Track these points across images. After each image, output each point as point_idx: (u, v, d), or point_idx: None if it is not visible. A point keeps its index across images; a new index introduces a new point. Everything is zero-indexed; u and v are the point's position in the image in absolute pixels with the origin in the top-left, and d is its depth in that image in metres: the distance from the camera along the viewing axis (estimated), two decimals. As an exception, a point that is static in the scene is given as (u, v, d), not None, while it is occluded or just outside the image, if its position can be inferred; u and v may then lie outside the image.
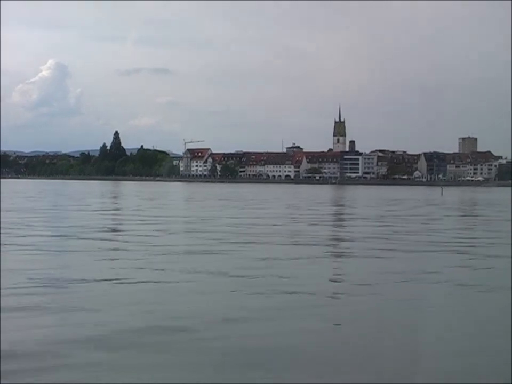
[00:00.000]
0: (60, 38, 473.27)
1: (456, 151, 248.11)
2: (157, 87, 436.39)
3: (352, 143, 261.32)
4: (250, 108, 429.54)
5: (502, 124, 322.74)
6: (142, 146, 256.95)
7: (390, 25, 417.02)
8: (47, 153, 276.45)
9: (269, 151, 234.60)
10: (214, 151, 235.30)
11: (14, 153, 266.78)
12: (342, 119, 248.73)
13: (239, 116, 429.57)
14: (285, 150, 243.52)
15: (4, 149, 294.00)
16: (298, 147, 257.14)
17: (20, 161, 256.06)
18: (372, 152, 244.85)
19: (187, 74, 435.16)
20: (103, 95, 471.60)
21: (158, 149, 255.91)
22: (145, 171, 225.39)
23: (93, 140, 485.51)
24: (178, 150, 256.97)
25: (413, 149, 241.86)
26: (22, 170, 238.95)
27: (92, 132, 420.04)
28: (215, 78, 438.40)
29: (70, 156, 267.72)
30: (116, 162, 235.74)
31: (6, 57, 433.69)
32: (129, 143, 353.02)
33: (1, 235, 21.67)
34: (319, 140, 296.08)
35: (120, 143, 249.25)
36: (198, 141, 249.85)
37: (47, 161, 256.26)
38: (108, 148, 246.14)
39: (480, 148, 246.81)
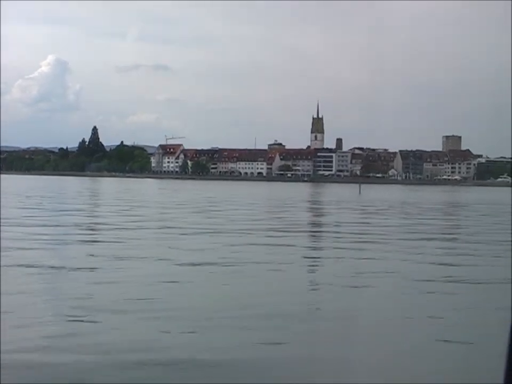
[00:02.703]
0: (59, 34, 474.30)
1: (440, 149, 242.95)
2: (156, 84, 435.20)
3: (339, 140, 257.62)
4: (250, 106, 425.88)
5: (490, 123, 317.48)
6: (122, 142, 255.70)
7: (387, 25, 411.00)
8: (29, 148, 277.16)
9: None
10: (208, 148, 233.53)
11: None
12: (320, 116, 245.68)
13: (238, 114, 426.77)
14: (259, 147, 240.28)
15: (2, 144, 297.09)
16: (280, 144, 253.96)
17: (2, 156, 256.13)
18: (350, 149, 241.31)
19: (186, 71, 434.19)
20: (103, 91, 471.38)
21: (138, 144, 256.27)
22: (119, 167, 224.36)
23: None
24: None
25: (399, 147, 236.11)
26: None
27: (91, 128, 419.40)
28: (215, 76, 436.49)
29: (50, 151, 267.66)
30: (92, 158, 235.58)
31: (6, 53, 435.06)
32: (129, 139, 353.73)
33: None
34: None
35: (98, 138, 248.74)
36: (179, 137, 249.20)
37: (27, 156, 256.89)
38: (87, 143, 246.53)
39: (465, 146, 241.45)
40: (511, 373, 1.22)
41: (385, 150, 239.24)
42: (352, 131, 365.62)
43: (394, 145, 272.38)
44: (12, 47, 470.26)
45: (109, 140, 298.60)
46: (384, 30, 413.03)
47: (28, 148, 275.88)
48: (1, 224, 26.22)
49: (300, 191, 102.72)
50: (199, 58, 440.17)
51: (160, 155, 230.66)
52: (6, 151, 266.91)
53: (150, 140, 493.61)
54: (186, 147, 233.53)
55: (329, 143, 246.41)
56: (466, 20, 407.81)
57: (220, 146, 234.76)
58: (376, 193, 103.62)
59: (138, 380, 7.69)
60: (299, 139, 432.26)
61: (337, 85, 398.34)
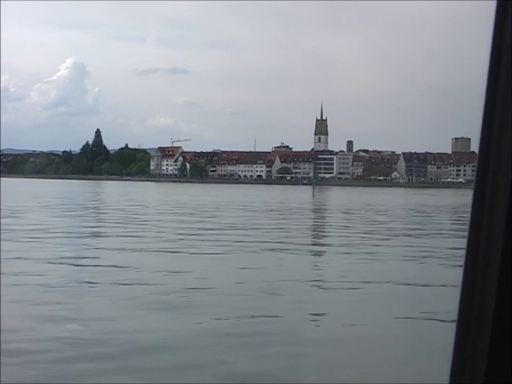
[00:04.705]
0: (78, 38, 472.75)
1: (449, 151, 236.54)
2: (174, 87, 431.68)
3: (349, 143, 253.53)
4: (268, 109, 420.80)
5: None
6: (126, 145, 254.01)
7: (400, 27, 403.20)
8: (34, 151, 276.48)
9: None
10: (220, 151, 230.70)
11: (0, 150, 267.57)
12: (324, 117, 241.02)
13: (256, 117, 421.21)
14: (265, 150, 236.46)
15: (21, 148, 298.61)
16: (287, 147, 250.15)
17: (4, 159, 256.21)
18: (355, 152, 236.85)
19: (206, 74, 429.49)
20: (122, 95, 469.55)
21: (142, 147, 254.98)
22: (120, 170, 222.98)
23: (111, 140, 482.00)
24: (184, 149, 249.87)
25: (408, 149, 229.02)
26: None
27: (110, 131, 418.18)
28: (234, 79, 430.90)
29: (56, 154, 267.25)
30: (95, 161, 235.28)
31: (25, 57, 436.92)
32: (147, 143, 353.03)
33: None
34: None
35: (101, 141, 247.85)
36: (185, 140, 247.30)
37: (31, 159, 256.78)
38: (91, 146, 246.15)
39: (474, 149, 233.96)
40: (457, 372, 1.22)
41: (393, 152, 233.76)
42: (363, 134, 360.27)
43: (404, 147, 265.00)
44: (30, 51, 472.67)
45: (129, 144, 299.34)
46: (397, 32, 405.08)
47: (34, 151, 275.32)
48: None
49: (260, 194, 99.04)
50: (218, 61, 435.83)
51: (159, 158, 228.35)
52: (11, 154, 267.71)
53: (168, 143, 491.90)
54: (197, 150, 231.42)
55: (340, 146, 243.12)
56: (478, 21, 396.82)
57: (232, 150, 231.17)
58: (334, 196, 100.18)
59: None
60: (308, 142, 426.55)
61: (349, 87, 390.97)
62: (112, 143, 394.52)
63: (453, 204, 73.29)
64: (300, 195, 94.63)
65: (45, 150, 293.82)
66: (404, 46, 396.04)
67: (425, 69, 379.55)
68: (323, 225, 40.16)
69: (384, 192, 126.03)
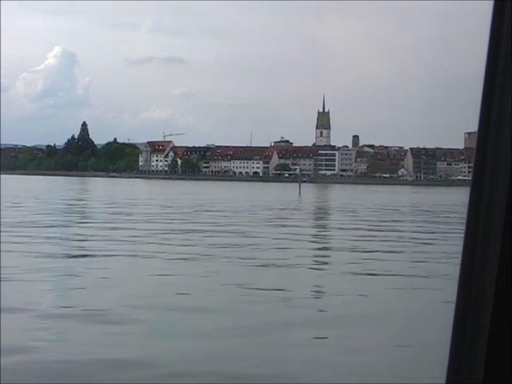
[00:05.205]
0: (67, 24, 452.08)
1: (462, 147, 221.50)
2: (170, 78, 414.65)
3: (355, 138, 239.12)
4: (267, 101, 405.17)
5: None
6: (115, 139, 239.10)
7: (401, 15, 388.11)
8: (16, 145, 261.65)
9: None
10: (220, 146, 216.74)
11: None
12: (326, 110, 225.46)
13: (256, 110, 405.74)
14: (257, 144, 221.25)
15: (5, 142, 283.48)
16: (287, 141, 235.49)
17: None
18: (360, 147, 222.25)
19: (202, 64, 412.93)
20: (114, 86, 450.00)
21: (133, 142, 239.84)
22: (107, 166, 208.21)
23: (102, 134, 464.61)
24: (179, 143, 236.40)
25: (418, 145, 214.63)
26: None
27: (101, 124, 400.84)
28: (232, 69, 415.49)
29: (39, 149, 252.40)
30: (80, 156, 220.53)
31: (9, 44, 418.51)
32: (141, 137, 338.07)
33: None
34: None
35: (88, 135, 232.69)
36: (178, 134, 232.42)
37: (13, 154, 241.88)
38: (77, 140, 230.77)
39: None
40: (452, 374, 1.22)
41: (400, 147, 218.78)
42: (369, 128, 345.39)
43: (413, 142, 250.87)
44: (16, 38, 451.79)
45: (121, 138, 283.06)
46: (404, 20, 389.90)
47: (16, 145, 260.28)
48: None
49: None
50: (217, 50, 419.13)
51: (148, 153, 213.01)
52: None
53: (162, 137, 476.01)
54: (190, 145, 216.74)
55: (343, 141, 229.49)
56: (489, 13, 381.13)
57: (227, 145, 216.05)
58: (326, 195, 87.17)
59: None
60: (310, 136, 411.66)
61: (353, 78, 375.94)
62: (103, 137, 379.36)
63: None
64: (288, 194, 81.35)
65: (32, 144, 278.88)
66: (412, 34, 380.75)
67: (435, 59, 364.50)
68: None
69: (388, 191, 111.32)
